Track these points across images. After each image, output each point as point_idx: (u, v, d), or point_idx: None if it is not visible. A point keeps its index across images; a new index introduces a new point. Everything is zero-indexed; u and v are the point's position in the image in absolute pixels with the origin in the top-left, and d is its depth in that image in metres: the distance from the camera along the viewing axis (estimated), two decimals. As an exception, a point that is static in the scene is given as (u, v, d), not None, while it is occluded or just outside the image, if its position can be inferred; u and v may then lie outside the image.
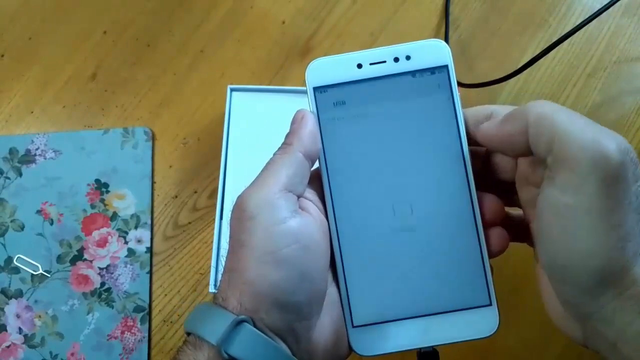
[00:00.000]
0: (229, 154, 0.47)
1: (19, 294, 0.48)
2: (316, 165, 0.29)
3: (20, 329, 0.47)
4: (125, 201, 0.50)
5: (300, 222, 0.26)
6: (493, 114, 0.28)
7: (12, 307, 0.48)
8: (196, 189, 0.50)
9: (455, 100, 0.29)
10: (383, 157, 0.29)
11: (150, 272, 0.48)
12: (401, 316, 0.29)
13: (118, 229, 0.49)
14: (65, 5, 0.54)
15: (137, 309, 0.48)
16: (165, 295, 0.48)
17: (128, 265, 0.48)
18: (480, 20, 0.54)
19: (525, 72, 0.43)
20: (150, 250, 0.49)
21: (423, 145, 0.29)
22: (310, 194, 0.29)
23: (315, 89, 0.29)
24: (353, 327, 0.29)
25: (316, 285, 0.27)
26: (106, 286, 0.48)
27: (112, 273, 0.48)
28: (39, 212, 0.49)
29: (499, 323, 0.29)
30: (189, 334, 0.27)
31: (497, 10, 0.54)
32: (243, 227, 0.26)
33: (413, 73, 0.29)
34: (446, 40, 0.52)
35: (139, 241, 0.49)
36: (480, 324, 0.28)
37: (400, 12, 0.54)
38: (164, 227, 0.50)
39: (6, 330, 0.47)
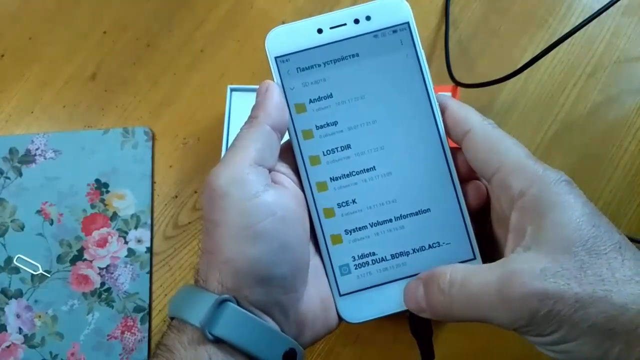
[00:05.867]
0: (229, 154, 0.47)
1: (19, 294, 0.48)
2: (286, 137, 0.29)
3: (20, 329, 0.47)
4: (125, 201, 0.50)
5: (273, 195, 0.26)
6: (471, 131, 0.27)
7: (12, 307, 0.48)
8: (196, 189, 0.50)
9: (420, 57, 0.29)
10: (353, 120, 0.29)
11: (150, 272, 0.48)
12: (387, 280, 0.28)
13: (118, 229, 0.49)
14: (65, 5, 0.54)
15: (137, 309, 0.48)
16: (166, 295, 0.48)
17: (128, 265, 0.48)
18: (480, 20, 0.54)
19: (525, 72, 0.43)
20: (150, 250, 0.49)
21: (392, 104, 0.29)
22: (283, 167, 0.29)
23: (277, 58, 0.28)
24: (340, 295, 0.28)
25: (298, 255, 0.27)
26: (106, 286, 0.48)
27: (112, 273, 0.48)
28: (39, 212, 0.49)
29: None
30: (172, 318, 0.26)
31: (497, 10, 0.54)
32: (215, 206, 0.25)
33: (374, 33, 0.29)
34: (446, 40, 0.52)
35: (139, 241, 0.49)
36: None
37: (400, 12, 0.54)
38: (164, 227, 0.50)
39: (6, 330, 0.47)
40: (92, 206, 0.49)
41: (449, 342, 0.46)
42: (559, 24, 0.54)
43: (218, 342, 0.24)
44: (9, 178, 0.50)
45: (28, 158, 0.50)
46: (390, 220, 0.29)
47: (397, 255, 0.28)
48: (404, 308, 0.28)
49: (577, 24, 0.40)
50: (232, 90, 0.49)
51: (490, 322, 0.24)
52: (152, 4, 0.54)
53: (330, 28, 0.28)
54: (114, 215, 0.49)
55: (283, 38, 0.29)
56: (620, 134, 0.51)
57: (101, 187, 0.50)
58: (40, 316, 0.47)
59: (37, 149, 0.50)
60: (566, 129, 0.51)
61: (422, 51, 0.29)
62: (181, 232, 0.49)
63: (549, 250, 0.23)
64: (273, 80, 0.29)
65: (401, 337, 0.47)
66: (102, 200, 0.49)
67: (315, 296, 0.28)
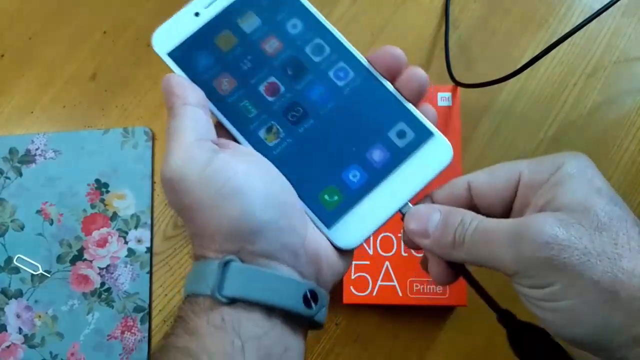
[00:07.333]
0: (228, 154, 0.47)
1: (19, 294, 0.48)
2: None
3: (20, 329, 0.47)
4: (125, 201, 0.50)
5: (227, 156, 0.26)
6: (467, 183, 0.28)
7: (12, 307, 0.48)
8: (196, 189, 0.50)
9: None
10: (264, 74, 0.29)
11: (150, 272, 0.48)
12: (366, 192, 0.28)
13: (118, 229, 0.49)
14: (65, 5, 0.54)
15: (137, 309, 0.48)
16: (166, 295, 0.48)
17: (128, 265, 0.48)
18: (480, 20, 0.54)
19: (525, 72, 0.43)
20: (150, 250, 0.49)
21: (293, 42, 0.29)
22: (222, 141, 0.29)
23: (169, 54, 0.29)
24: (329, 228, 0.28)
25: (282, 195, 0.26)
26: (106, 286, 0.48)
27: (112, 273, 0.48)
28: (39, 212, 0.49)
29: (451, 146, 0.29)
30: (187, 296, 0.26)
31: (497, 10, 0.54)
32: (179, 193, 0.25)
33: None
34: (446, 40, 0.52)
35: (139, 241, 0.49)
36: (436, 156, 0.29)
37: (400, 12, 0.54)
38: (164, 227, 0.50)
39: (6, 330, 0.47)
40: (92, 206, 0.49)
41: (449, 342, 0.46)
42: (559, 24, 0.54)
43: (231, 303, 0.24)
44: (9, 178, 0.50)
45: (28, 158, 0.50)
46: (339, 136, 0.29)
47: (362, 165, 0.29)
48: (394, 212, 0.28)
49: (577, 24, 0.40)
50: (232, 90, 0.49)
51: (495, 263, 0.24)
52: (152, 4, 0.54)
53: (205, 8, 0.29)
54: (114, 215, 0.49)
55: (167, 34, 0.29)
56: (620, 134, 0.51)
57: (101, 187, 0.50)
58: (40, 316, 0.47)
59: (37, 149, 0.50)
60: (566, 129, 0.51)
61: None
62: (181, 232, 0.49)
63: (566, 210, 0.23)
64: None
65: (401, 337, 0.47)
66: (102, 200, 0.50)
67: (320, 237, 0.28)
